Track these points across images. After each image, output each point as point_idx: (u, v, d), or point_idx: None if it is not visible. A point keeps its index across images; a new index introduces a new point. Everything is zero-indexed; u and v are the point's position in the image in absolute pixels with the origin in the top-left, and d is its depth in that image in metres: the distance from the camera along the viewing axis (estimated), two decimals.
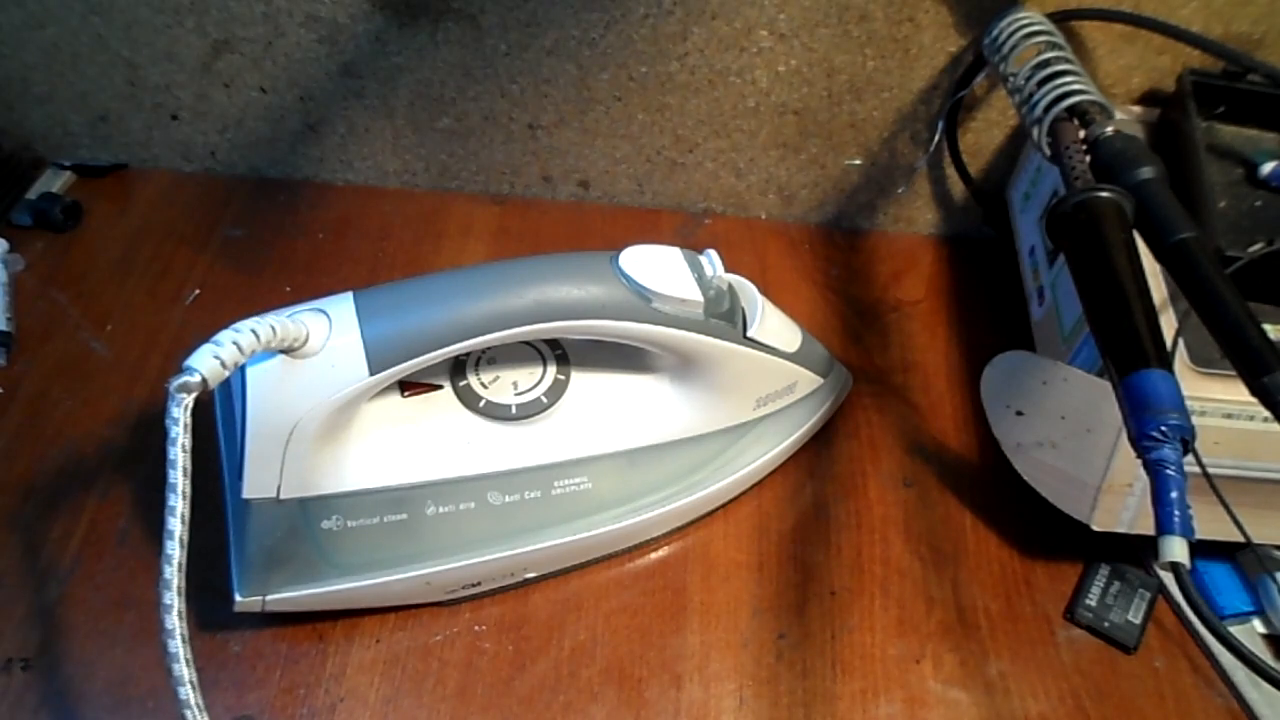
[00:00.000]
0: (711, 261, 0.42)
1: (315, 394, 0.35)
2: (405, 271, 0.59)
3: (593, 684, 0.43)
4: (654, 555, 0.48)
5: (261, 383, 0.35)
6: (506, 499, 0.42)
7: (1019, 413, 0.48)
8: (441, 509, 0.41)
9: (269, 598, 0.40)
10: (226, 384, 0.41)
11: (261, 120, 0.61)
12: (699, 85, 0.59)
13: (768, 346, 0.44)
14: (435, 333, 0.36)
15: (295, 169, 0.64)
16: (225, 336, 0.32)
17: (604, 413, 0.44)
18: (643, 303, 0.39)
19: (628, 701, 0.42)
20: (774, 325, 0.44)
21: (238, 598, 0.39)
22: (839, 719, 0.43)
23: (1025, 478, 0.47)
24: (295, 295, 0.57)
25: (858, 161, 0.63)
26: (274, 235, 0.61)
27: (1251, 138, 0.53)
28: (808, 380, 0.48)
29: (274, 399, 0.35)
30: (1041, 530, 0.49)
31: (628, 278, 0.39)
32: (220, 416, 0.42)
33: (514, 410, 0.43)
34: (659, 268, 0.40)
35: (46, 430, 0.49)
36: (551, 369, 0.44)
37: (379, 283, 0.57)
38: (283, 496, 0.37)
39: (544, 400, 0.43)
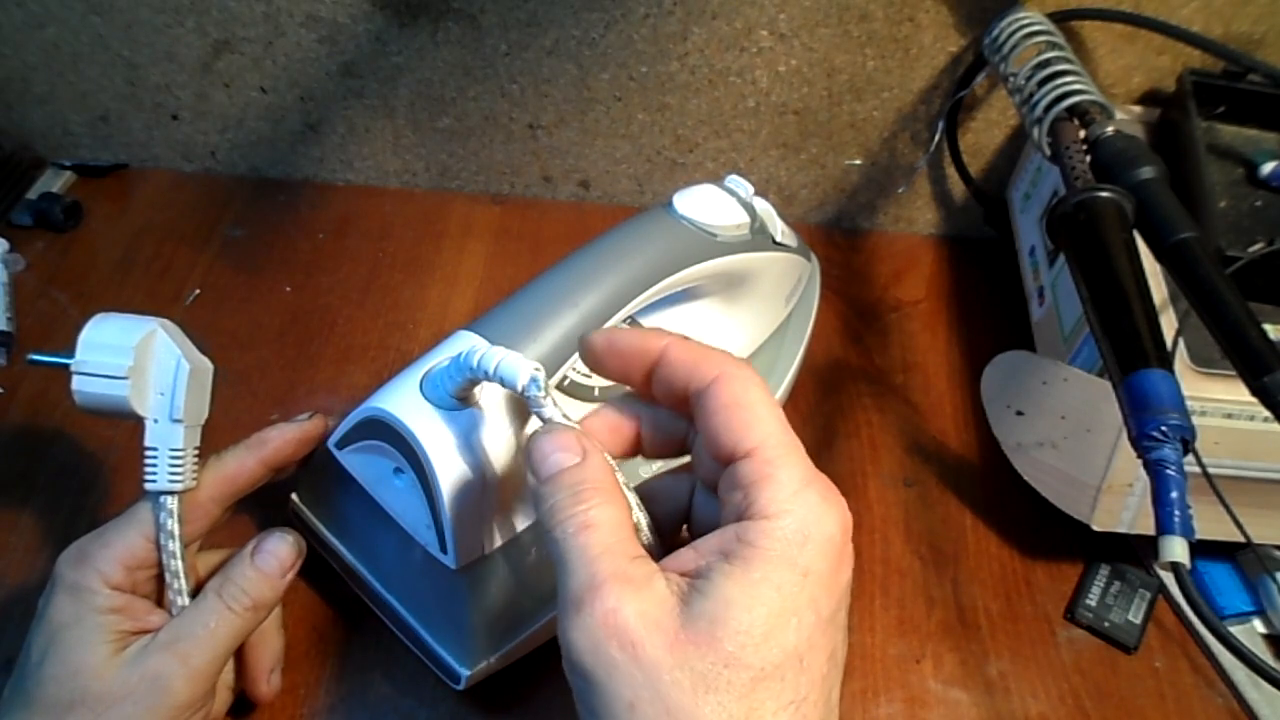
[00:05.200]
0: (740, 185, 0.44)
1: (499, 436, 0.35)
2: (406, 271, 0.59)
3: None
4: None
5: (441, 448, 0.34)
6: (654, 465, 0.43)
7: (1019, 413, 0.48)
8: None
9: (494, 658, 0.39)
10: (320, 482, 0.41)
11: (262, 120, 0.61)
12: (699, 85, 0.59)
13: (787, 246, 0.47)
14: (571, 334, 0.36)
15: (295, 169, 0.64)
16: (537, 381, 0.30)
17: None
18: (710, 239, 0.41)
19: None
20: (784, 226, 0.47)
21: (466, 674, 0.38)
22: (839, 719, 0.43)
23: (1025, 478, 0.47)
24: (295, 295, 0.57)
25: (858, 161, 0.63)
26: (274, 235, 0.61)
27: (1251, 138, 0.53)
28: (805, 267, 0.51)
29: (460, 457, 0.34)
30: (1041, 530, 0.49)
31: (690, 221, 0.41)
32: (317, 518, 0.42)
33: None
34: (709, 205, 0.42)
35: (46, 430, 0.49)
36: None
37: (383, 282, 0.58)
38: (487, 551, 0.37)
39: None
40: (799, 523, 0.25)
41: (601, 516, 0.26)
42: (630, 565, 0.25)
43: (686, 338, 0.29)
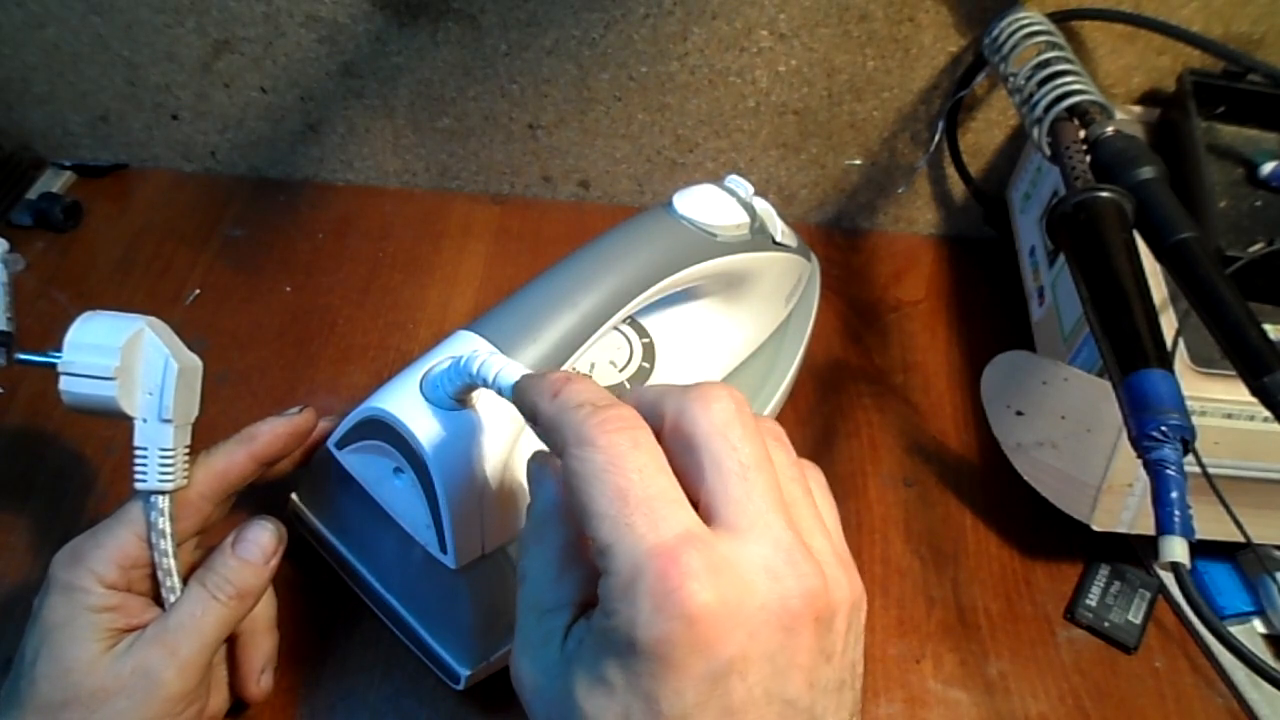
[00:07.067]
0: (740, 185, 0.44)
1: (497, 437, 0.35)
2: (406, 272, 0.59)
3: None
4: None
5: (441, 448, 0.34)
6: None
7: (1019, 413, 0.48)
8: None
9: (494, 658, 0.39)
10: (322, 482, 0.41)
11: (262, 120, 0.61)
12: (699, 85, 0.59)
13: (788, 246, 0.47)
14: (571, 334, 0.36)
15: (295, 169, 0.64)
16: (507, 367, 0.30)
17: (693, 356, 0.46)
18: (710, 239, 0.41)
19: None
20: (784, 226, 0.47)
21: (465, 674, 0.39)
22: None
23: (1025, 478, 0.47)
24: (295, 295, 0.57)
25: (858, 161, 0.63)
26: (274, 235, 0.61)
27: (1251, 138, 0.53)
28: (805, 267, 0.51)
29: (460, 457, 0.34)
30: (1041, 530, 0.49)
31: (690, 221, 0.41)
32: (317, 518, 0.42)
33: (628, 386, 0.44)
34: (709, 205, 0.42)
35: (46, 430, 0.49)
36: (633, 335, 0.46)
37: (383, 282, 0.58)
38: (487, 551, 0.37)
39: (646, 366, 0.45)
40: (624, 624, 0.23)
41: (532, 566, 0.27)
42: (540, 623, 0.26)
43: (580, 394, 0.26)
